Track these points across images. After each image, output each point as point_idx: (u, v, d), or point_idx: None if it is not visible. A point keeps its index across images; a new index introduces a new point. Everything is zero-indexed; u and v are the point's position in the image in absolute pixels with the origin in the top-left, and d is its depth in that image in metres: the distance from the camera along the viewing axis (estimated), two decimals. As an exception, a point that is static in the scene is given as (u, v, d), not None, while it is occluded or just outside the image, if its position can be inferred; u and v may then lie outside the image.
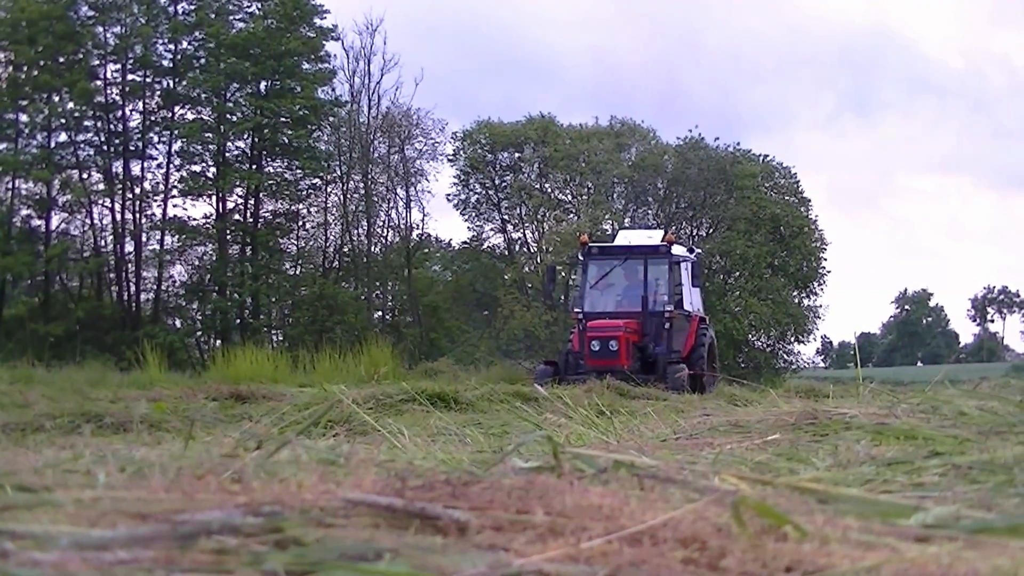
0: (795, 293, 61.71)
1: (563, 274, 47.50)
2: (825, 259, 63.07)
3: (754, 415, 5.62)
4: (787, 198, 63.00)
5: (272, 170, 53.78)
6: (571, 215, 61.05)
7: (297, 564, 1.30)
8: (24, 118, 50.00)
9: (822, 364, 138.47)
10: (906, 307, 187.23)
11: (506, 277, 59.60)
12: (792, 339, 62.52)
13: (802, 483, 1.93)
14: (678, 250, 24.98)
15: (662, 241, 24.94)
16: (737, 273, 59.23)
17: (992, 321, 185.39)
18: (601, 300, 24.63)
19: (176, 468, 1.66)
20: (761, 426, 4.99)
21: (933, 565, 1.35)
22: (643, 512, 1.52)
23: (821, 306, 64.68)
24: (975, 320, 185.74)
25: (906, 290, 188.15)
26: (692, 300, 25.33)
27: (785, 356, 59.76)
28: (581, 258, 25.21)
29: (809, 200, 63.79)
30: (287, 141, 52.52)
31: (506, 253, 62.32)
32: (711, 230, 61.60)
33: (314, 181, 54.65)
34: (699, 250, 29.97)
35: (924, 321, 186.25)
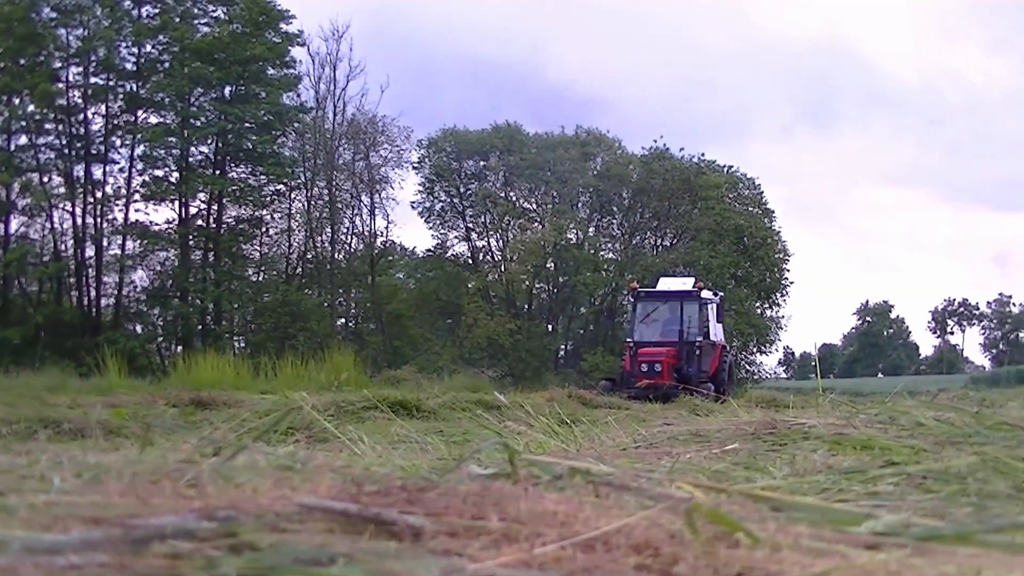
0: (758, 304, 61.99)
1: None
2: (788, 270, 63.57)
3: (714, 425, 5.64)
4: (751, 209, 63.33)
5: (236, 175, 53.61)
6: (536, 224, 61.17)
7: (251, 569, 1.30)
8: (-16, 120, 49.60)
9: (784, 375, 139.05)
10: (867, 319, 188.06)
11: (470, 285, 59.69)
12: (755, 349, 62.85)
13: (756, 491, 1.94)
14: (706, 294, 32.16)
15: (693, 287, 31.86)
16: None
17: (952, 333, 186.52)
18: (648, 332, 31.15)
19: (131, 473, 1.65)
20: (721, 435, 5.00)
21: (882, 572, 1.37)
22: (597, 518, 1.53)
23: (784, 317, 65.12)
24: (935, 332, 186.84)
25: (867, 302, 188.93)
26: (716, 332, 32.14)
27: (747, 366, 59.87)
28: (632, 299, 32.89)
29: (773, 211, 64.31)
30: (251, 147, 52.33)
31: (470, 261, 62.44)
32: (675, 240, 61.87)
33: (278, 187, 54.56)
34: (722, 293, 36.70)
35: (885, 333, 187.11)
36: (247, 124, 51.89)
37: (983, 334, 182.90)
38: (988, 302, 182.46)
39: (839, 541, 1.53)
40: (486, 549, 1.41)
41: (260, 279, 55.48)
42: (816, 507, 1.79)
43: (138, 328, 52.69)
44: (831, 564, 1.40)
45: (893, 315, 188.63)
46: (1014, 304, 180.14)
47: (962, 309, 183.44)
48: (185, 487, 1.63)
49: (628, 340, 31.47)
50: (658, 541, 1.46)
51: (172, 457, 3.57)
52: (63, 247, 51.03)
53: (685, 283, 33.29)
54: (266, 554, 1.34)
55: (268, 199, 54.59)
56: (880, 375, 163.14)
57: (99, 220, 50.92)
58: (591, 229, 62.68)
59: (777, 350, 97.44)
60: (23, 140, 50.53)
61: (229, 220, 53.66)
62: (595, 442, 5.40)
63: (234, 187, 52.80)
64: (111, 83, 51.33)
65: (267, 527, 1.42)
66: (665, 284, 33.69)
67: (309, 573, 1.26)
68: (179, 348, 49.28)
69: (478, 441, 6.42)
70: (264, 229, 55.15)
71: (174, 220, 52.04)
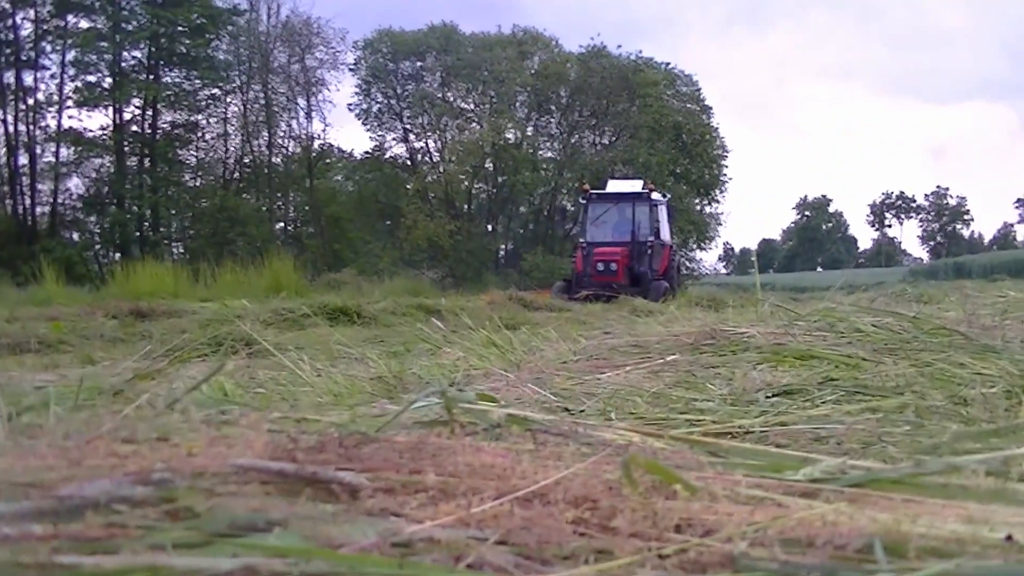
0: (697, 201, 62.21)
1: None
2: (727, 166, 63.76)
3: (654, 335, 5.66)
4: (689, 106, 63.31)
5: (170, 80, 52.93)
6: (474, 124, 60.86)
7: (189, 536, 1.29)
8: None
9: (724, 271, 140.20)
10: (806, 213, 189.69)
11: (409, 187, 59.39)
12: (695, 246, 63.17)
13: (693, 436, 1.95)
14: (656, 196, 32.66)
15: (643, 189, 32.59)
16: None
17: (890, 226, 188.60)
18: (599, 233, 31.72)
19: (64, 431, 1.63)
20: (661, 347, 5.03)
21: (819, 523, 1.37)
22: (535, 471, 1.52)
23: (723, 213, 65.53)
24: (873, 225, 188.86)
25: (806, 196, 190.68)
26: (665, 233, 32.82)
27: (688, 263, 60.11)
28: (584, 201, 32.80)
29: (711, 108, 64.29)
30: (185, 51, 51.64)
31: (409, 163, 62.10)
32: (614, 138, 61.76)
33: (213, 91, 53.97)
34: (668, 195, 37.85)
35: (824, 227, 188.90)
36: (180, 28, 51.05)
37: (921, 227, 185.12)
38: (925, 195, 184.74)
39: (776, 488, 1.54)
40: (423, 507, 1.40)
41: (197, 185, 54.99)
42: (753, 451, 1.80)
43: (75, 236, 52.11)
44: (769, 515, 1.40)
45: (832, 209, 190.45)
46: (951, 196, 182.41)
47: (900, 202, 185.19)
48: (120, 444, 1.62)
49: (581, 241, 31.93)
50: (596, 494, 1.46)
51: (112, 380, 3.55)
52: (-5, 155, 50.32)
53: (634, 185, 33.99)
54: (204, 520, 1.33)
55: (203, 104, 54.01)
56: (820, 269, 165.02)
57: (31, 127, 50.18)
58: (529, 128, 62.47)
59: (717, 246, 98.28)
60: (-51, 47, 49.60)
61: (164, 126, 53.02)
62: (535, 355, 5.42)
63: (168, 92, 52.08)
64: (39, -13, 50.29)
65: (204, 490, 1.41)
66: (614, 186, 34.43)
67: (244, 544, 1.26)
68: (117, 256, 48.85)
69: (417, 353, 6.44)
70: (200, 134, 54.58)
71: (108, 126, 51.39)
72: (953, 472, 1.64)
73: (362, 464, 1.53)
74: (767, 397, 3.14)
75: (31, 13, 50.38)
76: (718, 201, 64.01)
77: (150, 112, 51.91)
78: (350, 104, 61.88)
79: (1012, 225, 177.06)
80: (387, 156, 62.38)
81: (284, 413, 1.91)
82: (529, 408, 2.77)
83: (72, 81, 51.06)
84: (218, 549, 1.26)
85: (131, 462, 1.50)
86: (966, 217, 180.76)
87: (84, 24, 50.96)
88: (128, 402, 2.25)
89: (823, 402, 3.05)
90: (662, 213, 32.77)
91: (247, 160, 55.54)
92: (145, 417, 1.86)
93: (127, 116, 51.91)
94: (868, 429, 2.55)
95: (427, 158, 62.61)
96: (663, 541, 1.34)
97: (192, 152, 54.92)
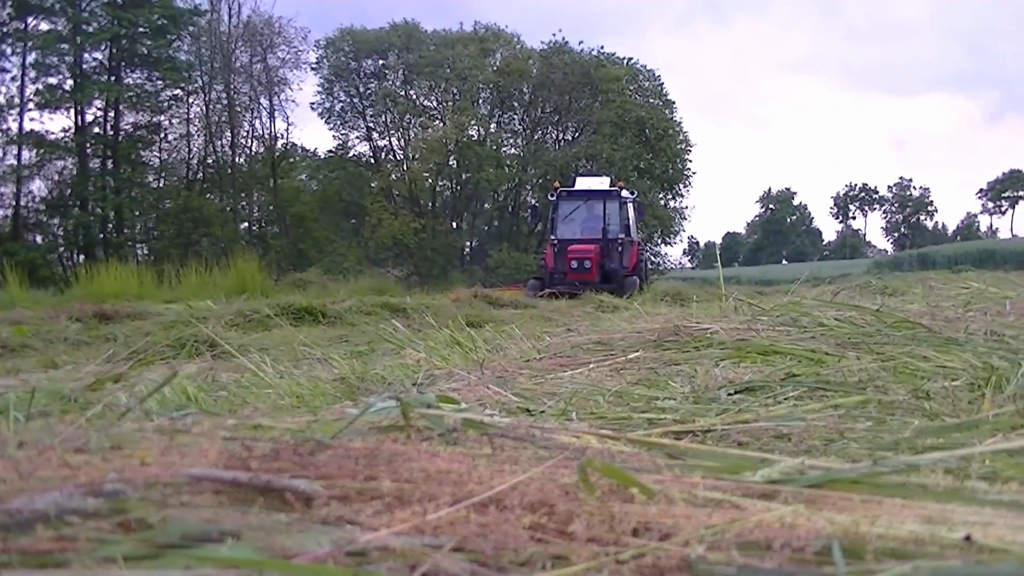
0: (661, 195, 62.36)
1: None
2: (690, 161, 63.95)
3: (617, 332, 5.67)
4: (651, 101, 63.47)
5: (132, 81, 52.58)
6: (437, 121, 60.82)
7: (141, 548, 1.27)
8: None
9: (689, 265, 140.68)
10: (771, 206, 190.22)
11: (373, 185, 59.33)
12: (659, 241, 63.33)
13: (651, 438, 1.94)
14: (625, 193, 32.97)
15: (613, 186, 32.91)
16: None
17: (854, 218, 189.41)
18: (569, 230, 31.79)
19: (17, 442, 1.61)
20: (624, 343, 5.03)
21: (776, 525, 1.37)
22: (491, 476, 1.51)
23: (687, 207, 65.70)
24: (837, 217, 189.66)
25: (770, 189, 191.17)
26: (633, 230, 32.93)
27: (653, 258, 60.21)
28: (554, 198, 32.48)
29: (674, 102, 64.52)
30: (146, 51, 51.39)
31: (372, 161, 62.03)
32: (577, 134, 61.89)
33: (175, 92, 53.71)
34: (636, 192, 37.04)
35: (788, 220, 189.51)
36: (141, 28, 50.84)
37: (884, 218, 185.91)
38: (888, 186, 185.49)
39: (735, 491, 1.53)
40: (379, 514, 1.39)
41: (161, 186, 54.71)
42: (711, 453, 1.79)
43: (38, 239, 51.74)
44: (727, 518, 1.39)
45: (796, 202, 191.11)
46: (913, 187, 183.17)
47: (863, 194, 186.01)
48: (72, 454, 1.59)
49: (552, 238, 31.85)
50: (553, 498, 1.44)
51: (73, 386, 3.52)
52: (-44, 158, 49.94)
53: (602, 182, 34.21)
54: (156, 532, 1.31)
55: (166, 104, 53.73)
56: (784, 262, 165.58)
57: (-7, 130, 49.85)
58: (492, 125, 62.54)
59: (681, 240, 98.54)
60: (-92, 50, 49.18)
61: (127, 127, 52.73)
62: (499, 353, 5.41)
63: (130, 93, 51.79)
64: (-1, -11, 49.95)
65: (156, 501, 1.39)
66: (583, 183, 34.37)
67: (197, 556, 1.24)
68: (81, 258, 48.61)
69: (382, 354, 6.42)
70: (163, 135, 54.35)
71: (70, 128, 51.03)
72: (912, 471, 1.64)
73: (317, 471, 1.51)
74: (729, 395, 3.14)
75: (-9, 15, 50.10)
76: (682, 195, 64.33)
77: (112, 113, 51.63)
78: (313, 103, 61.94)
79: (975, 215, 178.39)
80: (351, 155, 62.35)
81: (240, 419, 1.89)
82: (490, 409, 2.76)
83: (33, 83, 50.72)
84: (170, 561, 1.24)
85: (83, 473, 1.48)
86: (930, 208, 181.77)
87: (44, 26, 50.65)
88: (87, 408, 2.23)
89: (785, 399, 3.05)
90: (631, 210, 33.04)
91: (210, 160, 55.35)
92: (99, 425, 1.84)
93: (89, 118, 51.63)
94: (830, 426, 2.54)
95: (391, 156, 62.64)
96: (620, 546, 1.33)
97: (155, 153, 54.71)
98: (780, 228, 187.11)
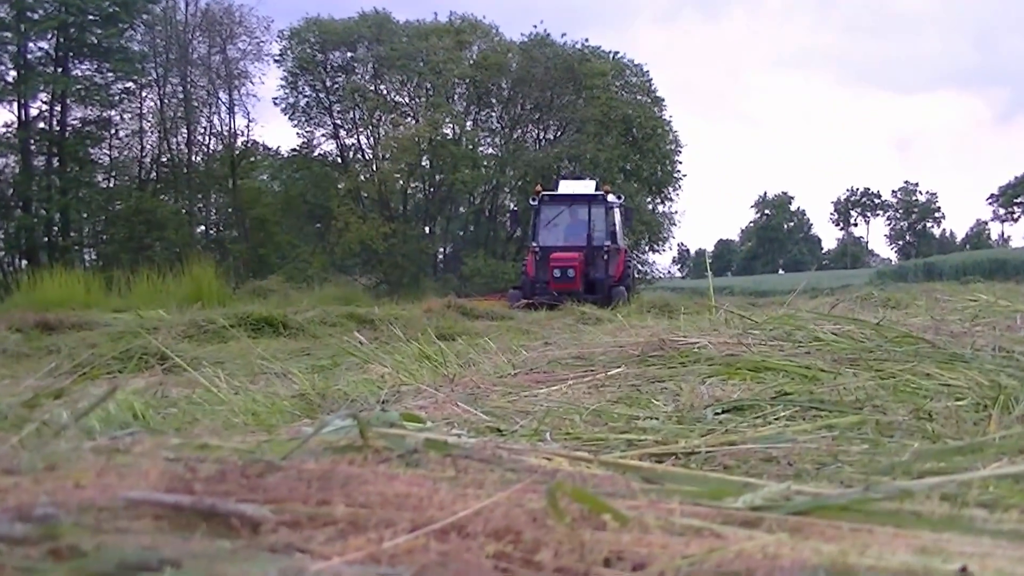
0: (649, 199, 62.36)
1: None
2: (680, 162, 63.99)
3: (599, 346, 5.66)
4: (639, 98, 63.47)
5: (80, 73, 52.40)
6: (409, 119, 60.76)
7: (73, 578, 1.26)
8: None
9: (679, 274, 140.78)
10: (766, 212, 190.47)
11: (340, 187, 59.18)
12: (647, 248, 63.35)
13: (626, 460, 1.94)
14: (611, 198, 32.67)
15: (599, 190, 32.87)
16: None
17: (856, 225, 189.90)
18: (552, 236, 31.81)
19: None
20: (605, 358, 5.03)
21: (758, 555, 1.36)
22: (453, 501, 1.51)
23: (677, 212, 65.69)
24: (838, 224, 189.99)
25: (765, 194, 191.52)
26: (620, 237, 32.91)
27: (640, 266, 60.22)
28: (536, 203, 32.29)
29: (663, 99, 64.46)
30: (96, 41, 51.17)
31: (339, 160, 61.91)
32: (559, 133, 61.90)
33: (127, 85, 53.55)
34: (623, 197, 37.00)
35: (785, 226, 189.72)
36: (90, 16, 50.63)
37: (888, 225, 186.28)
38: (893, 191, 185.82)
39: (714, 518, 1.53)
40: (331, 541, 1.38)
41: (111, 185, 54.59)
42: (689, 476, 1.79)
43: (-23, 243, 51.67)
44: (705, 546, 1.39)
45: (793, 207, 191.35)
46: (920, 192, 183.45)
47: (865, 199, 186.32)
48: (1, 475, 1.59)
49: (533, 245, 31.82)
50: (519, 524, 1.44)
51: (8, 402, 3.49)
52: None
53: (587, 186, 34.37)
54: (90, 559, 1.30)
55: (116, 98, 53.53)
56: (781, 271, 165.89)
57: (-71, 125, 49.69)
58: (468, 123, 62.48)
59: (671, 248, 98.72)
60: None
61: (74, 122, 52.55)
62: (472, 368, 5.40)
63: (78, 86, 51.55)
64: (-64, -27, 49.78)
65: (90, 526, 1.38)
66: (567, 187, 34.48)
67: (133, 584, 1.23)
68: (23, 263, 48.45)
69: (346, 366, 6.41)
70: (113, 131, 54.21)
71: (13, 123, 50.83)
72: (906, 497, 1.64)
73: (266, 495, 1.51)
74: (716, 414, 3.13)
75: (-73, 1, 49.92)
76: (672, 199, 64.38)
77: (58, 107, 51.46)
78: (275, 98, 61.68)
79: (986, 223, 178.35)
80: (316, 153, 62.22)
81: (186, 438, 1.88)
82: (458, 428, 2.76)
83: (-27, 75, 50.51)
84: (105, 591, 1.24)
85: (11, 496, 1.47)
86: (937, 215, 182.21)
87: (-15, 13, 50.48)
88: (22, 426, 2.22)
89: (776, 419, 3.05)
90: (617, 216, 32.93)
91: (165, 159, 55.25)
92: (33, 445, 1.83)
93: (33, 112, 51.49)
94: (822, 448, 2.54)
95: (359, 155, 62.53)
96: (590, 576, 1.33)
97: (105, 151, 54.53)
98: (776, 235, 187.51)
